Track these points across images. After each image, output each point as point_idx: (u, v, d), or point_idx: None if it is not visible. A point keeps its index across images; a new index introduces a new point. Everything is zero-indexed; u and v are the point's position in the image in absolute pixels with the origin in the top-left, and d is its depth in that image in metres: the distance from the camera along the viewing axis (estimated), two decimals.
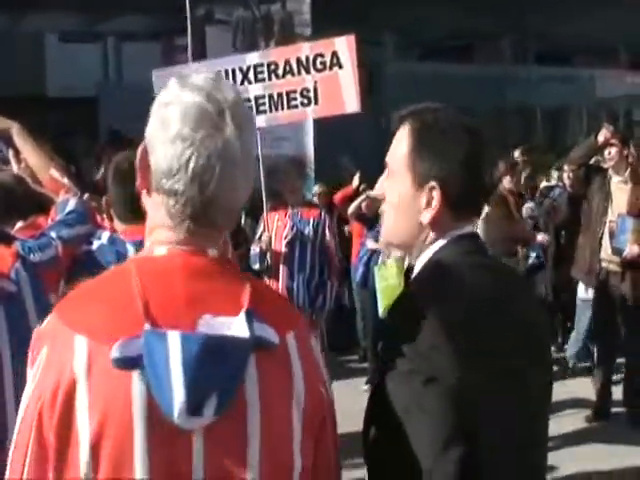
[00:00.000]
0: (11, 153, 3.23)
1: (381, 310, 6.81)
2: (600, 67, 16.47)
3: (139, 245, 2.63)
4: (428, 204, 1.55)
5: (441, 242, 1.56)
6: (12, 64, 11.51)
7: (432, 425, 1.36)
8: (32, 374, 1.29)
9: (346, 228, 7.85)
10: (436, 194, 1.54)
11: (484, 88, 14.06)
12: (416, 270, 1.59)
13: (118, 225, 2.75)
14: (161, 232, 1.33)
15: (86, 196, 2.99)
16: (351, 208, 7.33)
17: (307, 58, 4.84)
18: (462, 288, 1.46)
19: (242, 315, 1.25)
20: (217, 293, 1.28)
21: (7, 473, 1.30)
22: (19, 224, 2.90)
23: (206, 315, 1.24)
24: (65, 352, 1.24)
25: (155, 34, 13.00)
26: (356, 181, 7.89)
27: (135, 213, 2.67)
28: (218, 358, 1.20)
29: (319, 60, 4.80)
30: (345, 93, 4.77)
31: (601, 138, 6.01)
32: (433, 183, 1.53)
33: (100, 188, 3.45)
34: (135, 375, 1.21)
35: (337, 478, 1.40)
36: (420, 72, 13.98)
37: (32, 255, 2.45)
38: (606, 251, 6.03)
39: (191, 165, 1.26)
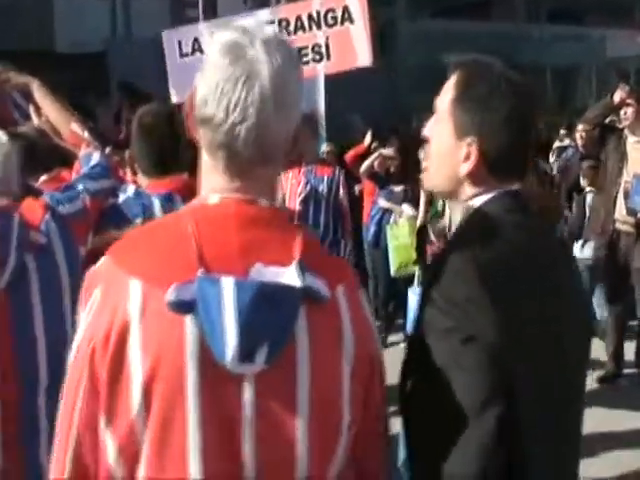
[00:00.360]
0: (32, 108, 3.22)
1: (393, 269, 6.83)
2: (612, 26, 16.27)
3: (164, 198, 2.65)
4: (467, 157, 1.54)
5: (484, 197, 1.55)
6: (20, 20, 11.42)
7: (471, 383, 1.37)
8: (85, 314, 1.31)
9: (356, 187, 7.83)
10: (474, 149, 1.52)
11: (496, 46, 13.91)
12: (454, 223, 1.60)
13: (142, 179, 2.75)
14: (212, 179, 1.34)
15: (108, 150, 2.99)
16: (363, 166, 7.30)
17: (318, 13, 4.79)
18: (502, 244, 1.46)
19: (294, 265, 1.25)
20: (269, 242, 1.29)
21: (60, 407, 1.33)
22: (43, 177, 2.90)
23: (258, 264, 1.25)
24: (119, 294, 1.26)
25: None
26: (368, 139, 7.85)
27: (160, 167, 2.69)
28: (271, 305, 1.22)
29: (330, 15, 4.76)
30: (357, 47, 4.73)
31: (617, 98, 5.95)
32: (472, 137, 1.52)
33: (121, 144, 3.46)
34: (188, 319, 1.22)
35: (385, 430, 1.42)
36: (431, 30, 13.84)
37: (61, 207, 2.46)
38: (620, 212, 6.00)
39: (219, 89, 1.27)
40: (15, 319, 2.29)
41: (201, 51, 4.63)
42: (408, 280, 6.15)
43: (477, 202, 1.55)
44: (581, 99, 15.77)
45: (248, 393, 1.24)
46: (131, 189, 2.70)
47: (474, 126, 1.52)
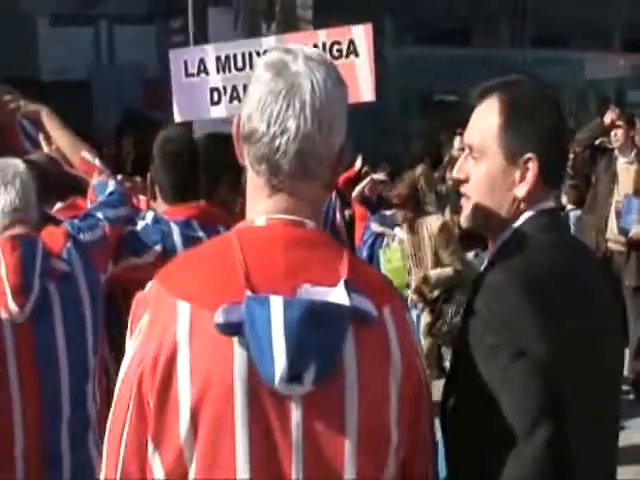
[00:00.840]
0: (41, 136, 3.22)
1: None
2: (593, 50, 16.49)
3: (183, 225, 2.65)
4: (522, 178, 1.52)
5: (526, 214, 1.54)
6: (5, 48, 11.40)
7: (521, 403, 1.36)
8: (133, 339, 1.31)
9: (346, 212, 7.85)
10: (532, 166, 1.52)
11: (481, 71, 14.06)
12: (500, 242, 1.58)
13: (161, 205, 2.75)
14: (258, 200, 1.34)
15: (120, 177, 2.99)
16: (355, 192, 7.33)
17: (324, 45, 4.83)
18: (543, 261, 1.47)
19: (341, 285, 1.25)
20: (315, 263, 1.29)
21: (107, 433, 1.32)
22: (58, 205, 2.90)
23: (305, 284, 1.25)
24: (168, 317, 1.26)
25: (148, 17, 12.88)
26: (358, 164, 7.88)
27: (181, 194, 2.70)
28: (320, 324, 1.21)
29: (336, 47, 4.80)
30: (361, 81, 4.77)
31: (607, 120, 6.05)
32: (530, 155, 1.51)
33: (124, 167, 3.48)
34: (236, 341, 1.22)
35: (433, 450, 1.41)
36: (417, 56, 13.95)
37: (81, 235, 2.46)
38: (612, 231, 6.08)
39: (261, 103, 1.29)
40: (39, 347, 2.28)
41: (206, 72, 4.64)
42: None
43: (521, 219, 1.55)
44: None
45: (296, 415, 1.23)
46: (150, 216, 2.70)
47: (529, 143, 1.52)
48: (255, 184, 1.34)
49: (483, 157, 1.56)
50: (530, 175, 1.53)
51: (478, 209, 1.59)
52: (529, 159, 1.53)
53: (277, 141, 1.28)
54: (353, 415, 1.25)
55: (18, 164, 2.44)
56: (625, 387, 6.15)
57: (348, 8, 12.53)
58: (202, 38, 7.77)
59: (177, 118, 5.00)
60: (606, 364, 1.51)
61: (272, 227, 1.31)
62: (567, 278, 1.48)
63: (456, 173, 1.62)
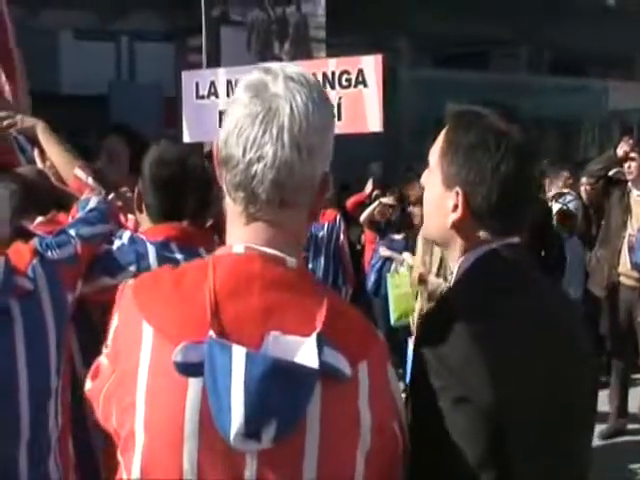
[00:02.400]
0: (36, 152, 3.17)
1: (393, 318, 6.74)
2: (614, 78, 16.38)
3: (160, 246, 2.57)
4: (454, 208, 1.48)
5: (477, 251, 1.48)
6: (27, 60, 11.48)
7: (463, 447, 1.30)
8: (110, 332, 1.30)
9: (362, 236, 7.77)
10: (461, 200, 1.46)
11: (497, 97, 13.98)
12: (452, 278, 1.53)
13: (145, 220, 2.69)
14: (236, 227, 1.28)
15: (112, 196, 2.93)
16: (364, 215, 7.26)
17: (333, 73, 4.86)
18: (498, 301, 1.40)
19: (313, 339, 1.17)
20: (291, 308, 1.21)
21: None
22: (39, 219, 2.84)
23: (276, 332, 1.18)
24: (133, 334, 1.23)
25: (168, 34, 12.96)
26: (369, 187, 7.81)
27: (167, 216, 2.64)
28: (283, 385, 1.14)
29: (345, 77, 4.82)
30: (368, 111, 4.78)
31: (620, 151, 5.93)
32: (458, 188, 1.47)
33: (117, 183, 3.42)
34: (193, 382, 1.16)
35: None
36: (433, 79, 13.91)
37: (50, 252, 2.39)
38: (625, 265, 5.95)
39: (238, 127, 1.23)
40: None
41: (216, 95, 4.69)
42: (408, 330, 6.06)
43: (471, 257, 1.48)
44: (583, 151, 15.80)
45: (250, 468, 1.15)
46: (126, 235, 2.63)
47: (460, 177, 1.47)
48: (232, 210, 1.28)
49: (432, 174, 1.54)
50: (459, 208, 1.47)
51: (426, 222, 1.58)
52: (458, 192, 1.47)
53: (253, 168, 1.22)
54: (312, 474, 1.17)
55: None
56: (635, 425, 6.01)
57: (362, 28, 12.59)
58: (216, 57, 7.76)
59: (186, 138, 5.03)
60: (572, 410, 1.43)
61: (250, 259, 1.24)
62: (526, 318, 1.41)
63: (422, 179, 1.59)
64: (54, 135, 3.19)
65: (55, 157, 3.08)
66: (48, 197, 2.95)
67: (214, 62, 7.61)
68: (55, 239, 2.45)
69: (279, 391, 1.13)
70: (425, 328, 1.43)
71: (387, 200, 7.31)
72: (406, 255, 6.94)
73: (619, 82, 16.46)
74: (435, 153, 1.53)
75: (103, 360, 1.31)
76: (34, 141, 3.30)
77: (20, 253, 2.32)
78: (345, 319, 1.26)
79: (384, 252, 7.07)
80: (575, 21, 13.48)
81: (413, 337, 5.67)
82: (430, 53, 15.05)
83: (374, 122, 4.76)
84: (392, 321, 6.69)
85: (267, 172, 1.21)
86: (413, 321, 5.79)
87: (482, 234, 1.48)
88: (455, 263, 1.52)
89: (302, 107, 1.22)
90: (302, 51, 8.06)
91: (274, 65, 1.29)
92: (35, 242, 2.40)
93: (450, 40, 14.06)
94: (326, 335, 1.18)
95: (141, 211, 2.71)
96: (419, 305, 5.50)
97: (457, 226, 1.48)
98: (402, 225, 7.15)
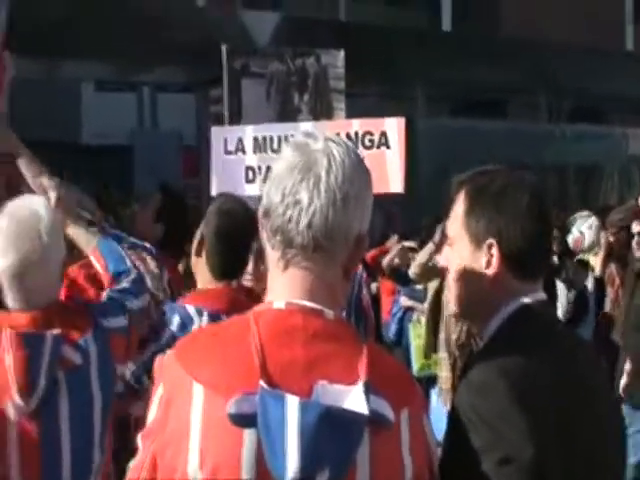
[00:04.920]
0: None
1: (415, 369, 6.67)
2: (634, 124, 16.38)
3: (211, 318, 2.53)
4: (488, 264, 1.51)
5: (510, 309, 1.51)
6: (49, 111, 11.65)
7: None
8: (151, 407, 1.34)
9: (373, 285, 7.73)
10: (495, 250, 1.50)
11: (517, 145, 13.99)
12: (485, 337, 1.55)
13: (203, 270, 2.70)
14: (276, 279, 1.34)
15: (152, 264, 2.93)
16: (385, 261, 7.23)
17: (356, 134, 4.94)
18: (533, 356, 1.43)
19: (360, 387, 1.23)
20: (334, 358, 1.28)
21: None
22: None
23: (322, 381, 1.24)
24: (182, 396, 1.27)
25: (190, 85, 13.14)
26: (392, 241, 7.81)
27: (227, 271, 2.67)
28: (335, 430, 1.19)
29: (368, 137, 4.90)
30: (390, 173, 4.87)
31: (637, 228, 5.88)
32: (490, 240, 1.50)
33: (162, 243, 3.48)
34: (247, 432, 1.21)
35: None
36: (451, 128, 13.97)
37: (105, 320, 2.35)
38: None
39: (279, 177, 1.33)
40: (43, 442, 2.18)
41: (243, 151, 4.79)
42: (431, 380, 5.99)
43: (504, 314, 1.51)
44: (603, 197, 15.74)
45: None
46: (176, 322, 2.61)
47: (490, 228, 1.51)
48: (271, 259, 1.35)
49: (455, 244, 1.57)
50: (494, 260, 1.50)
51: (457, 298, 1.58)
52: (491, 244, 1.51)
53: (289, 213, 1.30)
54: None
55: (43, 236, 2.23)
56: None
57: (381, 78, 12.71)
58: (237, 108, 7.85)
59: (213, 191, 5.12)
60: (601, 460, 1.45)
61: (291, 313, 1.30)
62: (559, 375, 1.43)
63: (441, 261, 1.64)
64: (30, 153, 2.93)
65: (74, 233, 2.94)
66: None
67: (235, 113, 7.69)
68: (108, 307, 2.40)
69: (332, 438, 1.19)
70: (463, 387, 1.44)
71: (409, 243, 7.30)
72: (428, 305, 6.90)
73: (638, 128, 16.46)
74: (456, 220, 1.57)
75: (141, 439, 1.34)
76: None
77: (75, 321, 2.27)
78: (385, 367, 1.33)
79: (405, 302, 7.03)
80: (594, 68, 13.53)
81: (437, 388, 5.62)
82: (447, 102, 15.14)
83: (396, 183, 4.83)
84: (414, 371, 6.62)
85: (302, 216, 1.30)
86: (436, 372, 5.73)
87: (514, 286, 1.51)
88: (484, 323, 1.54)
89: (339, 160, 1.32)
90: (322, 102, 8.13)
91: (317, 132, 1.41)
92: (92, 309, 2.35)
93: (467, 88, 14.16)
94: (370, 383, 1.24)
95: (199, 255, 2.72)
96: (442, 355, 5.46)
97: (492, 282, 1.50)
98: None
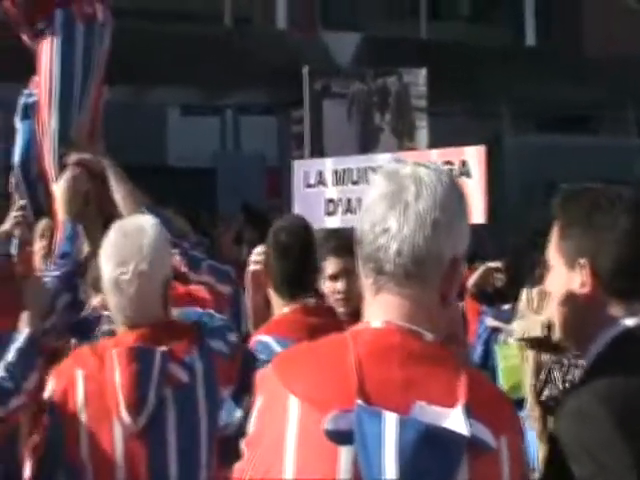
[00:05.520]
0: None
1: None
2: None
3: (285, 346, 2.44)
4: (583, 285, 1.46)
5: (611, 333, 1.45)
6: (136, 136, 11.93)
7: None
8: (252, 421, 1.35)
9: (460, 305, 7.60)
10: (587, 269, 1.45)
11: (606, 161, 13.62)
12: (586, 362, 1.50)
13: (275, 299, 2.68)
14: (371, 304, 1.35)
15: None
16: (471, 282, 7.09)
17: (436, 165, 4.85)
18: (629, 391, 1.38)
19: (459, 409, 1.22)
20: (433, 380, 1.27)
21: None
22: None
23: (420, 402, 1.23)
24: (278, 410, 1.29)
25: (271, 107, 13.27)
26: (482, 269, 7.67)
27: (293, 289, 2.64)
28: (435, 450, 1.18)
29: (447, 167, 4.83)
30: (471, 202, 4.73)
31: None
32: (581, 260, 1.45)
33: (242, 266, 3.54)
34: (343, 450, 1.21)
35: None
36: (538, 144, 13.69)
37: (213, 341, 2.34)
38: None
39: (370, 206, 1.34)
40: (151, 458, 2.18)
41: (324, 184, 4.82)
42: (519, 404, 5.84)
43: (604, 339, 1.45)
44: None
45: None
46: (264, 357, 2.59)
47: (581, 247, 1.46)
48: (365, 285, 1.36)
49: (552, 267, 1.53)
50: (588, 281, 1.45)
51: (559, 322, 1.53)
52: (584, 264, 1.46)
53: (379, 240, 1.31)
54: None
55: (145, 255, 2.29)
56: None
57: (464, 95, 12.56)
58: (318, 129, 7.87)
59: None
60: None
61: (389, 332, 1.31)
62: None
63: (545, 286, 1.59)
64: (122, 172, 3.26)
65: (121, 194, 3.14)
66: None
67: (316, 134, 7.72)
68: (218, 329, 2.41)
69: (431, 456, 1.18)
70: (563, 415, 1.41)
71: (494, 264, 7.15)
72: (515, 325, 6.74)
73: None
74: (552, 244, 1.53)
75: (245, 445, 1.35)
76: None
77: (182, 339, 2.27)
78: (484, 391, 1.32)
79: (491, 323, 6.89)
80: None
81: (525, 411, 5.47)
82: (533, 119, 14.86)
83: (478, 214, 4.75)
84: None
85: (391, 244, 1.30)
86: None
87: (612, 308, 1.46)
88: (585, 347, 1.50)
89: (428, 186, 1.32)
90: (403, 121, 8.09)
91: (412, 154, 1.38)
92: (200, 328, 2.35)
93: (553, 104, 13.87)
94: (470, 407, 1.23)
95: (269, 285, 2.71)
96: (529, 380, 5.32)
97: (588, 303, 1.46)
98: (510, 294, 6.95)
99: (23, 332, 2.66)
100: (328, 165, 5.07)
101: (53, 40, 3.72)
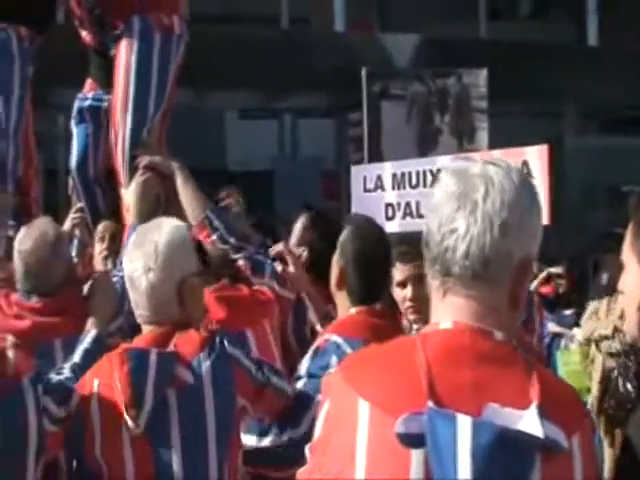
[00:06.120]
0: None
1: None
2: None
3: (356, 346, 2.40)
4: None
5: None
6: (195, 140, 12.04)
7: None
8: (318, 424, 1.35)
9: None
10: None
11: None
12: None
13: (342, 298, 2.66)
14: (439, 302, 1.33)
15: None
16: (531, 287, 7.00)
17: None
18: None
19: (533, 411, 1.21)
20: (504, 381, 1.26)
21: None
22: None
23: (492, 403, 1.22)
24: (347, 414, 1.28)
25: (329, 110, 13.26)
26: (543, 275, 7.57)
27: (369, 295, 2.61)
28: (509, 452, 1.17)
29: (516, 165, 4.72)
30: None
31: None
32: None
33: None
34: (415, 453, 1.20)
35: None
36: (601, 145, 13.42)
37: (232, 350, 2.32)
38: None
39: (436, 206, 1.32)
40: (157, 460, 2.19)
41: (382, 188, 4.81)
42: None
43: None
44: None
45: None
46: (334, 362, 2.51)
47: None
48: (432, 287, 1.34)
49: (626, 267, 1.47)
50: None
51: (632, 322, 1.47)
52: None
53: (446, 241, 1.30)
54: None
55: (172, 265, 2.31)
56: None
57: (525, 95, 12.36)
58: (376, 131, 7.82)
59: None
60: None
61: (459, 333, 1.29)
62: None
63: (619, 286, 1.52)
64: (189, 175, 3.35)
65: (187, 197, 3.22)
66: (224, 264, 3.06)
67: (375, 136, 7.67)
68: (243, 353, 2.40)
69: (505, 459, 1.17)
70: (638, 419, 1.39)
71: (555, 269, 7.03)
72: (576, 330, 6.63)
73: None
74: (627, 244, 1.47)
75: (309, 451, 1.38)
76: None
77: (189, 342, 2.27)
78: (556, 391, 1.30)
79: (553, 328, 6.80)
80: None
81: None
82: (596, 119, 14.57)
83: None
84: None
85: (459, 245, 1.28)
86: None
87: None
88: None
89: (497, 185, 1.29)
90: (463, 122, 7.99)
91: (474, 155, 1.31)
92: (217, 335, 2.34)
93: (616, 105, 13.57)
94: (542, 408, 1.21)
95: (341, 288, 2.68)
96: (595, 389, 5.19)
97: None
98: (571, 299, 6.85)
99: (90, 333, 2.70)
100: (387, 169, 5.04)
101: (131, 46, 3.79)
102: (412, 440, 1.19)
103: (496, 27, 13.78)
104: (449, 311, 1.32)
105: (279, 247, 3.25)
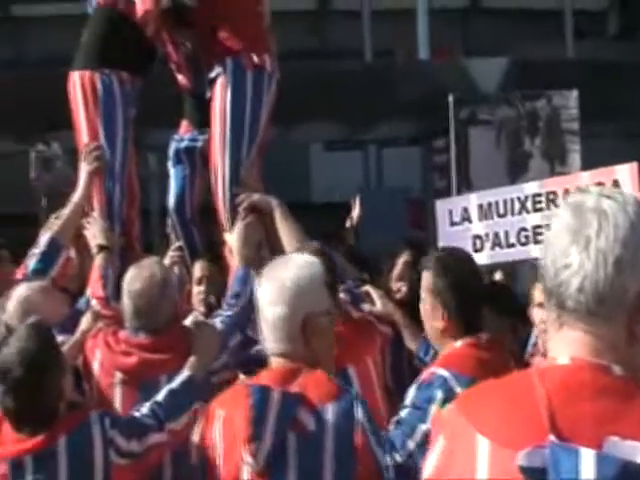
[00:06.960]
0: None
1: None
2: None
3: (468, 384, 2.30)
4: None
5: None
6: (280, 173, 12.15)
7: None
8: (430, 459, 1.35)
9: None
10: None
11: None
12: None
13: (444, 329, 2.64)
14: (555, 336, 1.34)
15: None
16: None
17: (587, 187, 4.61)
18: None
19: None
20: (624, 415, 1.26)
21: None
22: None
23: (613, 437, 1.21)
24: (465, 450, 1.28)
25: (414, 138, 13.20)
26: None
27: (470, 326, 2.60)
28: None
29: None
30: None
31: None
32: None
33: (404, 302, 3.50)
34: None
35: None
36: None
37: (358, 412, 2.21)
38: None
39: (552, 238, 1.33)
40: None
41: (469, 220, 4.72)
42: None
43: None
44: None
45: None
46: (439, 396, 2.51)
47: None
48: (549, 320, 1.36)
49: None
50: None
51: None
52: None
53: (560, 276, 1.31)
54: None
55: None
56: None
57: (616, 114, 12.02)
58: (464, 157, 7.70)
59: None
60: None
61: (578, 369, 1.30)
62: None
63: None
64: (287, 210, 3.51)
65: (286, 233, 3.33)
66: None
67: (463, 163, 7.55)
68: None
69: None
70: None
71: None
72: None
73: None
74: None
75: None
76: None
77: (318, 387, 2.21)
78: None
79: None
80: None
81: None
82: None
83: None
84: None
85: (572, 280, 1.29)
86: None
87: None
88: None
89: (611, 220, 1.29)
90: (555, 145, 7.79)
91: (594, 188, 1.41)
92: (347, 391, 2.29)
93: None
94: None
95: (445, 320, 2.66)
96: None
97: None
98: None
99: (182, 374, 2.70)
100: (472, 200, 4.95)
101: (225, 87, 3.91)
102: (534, 474, 1.18)
103: (583, 47, 13.51)
104: (566, 346, 1.32)
105: (365, 288, 3.30)
